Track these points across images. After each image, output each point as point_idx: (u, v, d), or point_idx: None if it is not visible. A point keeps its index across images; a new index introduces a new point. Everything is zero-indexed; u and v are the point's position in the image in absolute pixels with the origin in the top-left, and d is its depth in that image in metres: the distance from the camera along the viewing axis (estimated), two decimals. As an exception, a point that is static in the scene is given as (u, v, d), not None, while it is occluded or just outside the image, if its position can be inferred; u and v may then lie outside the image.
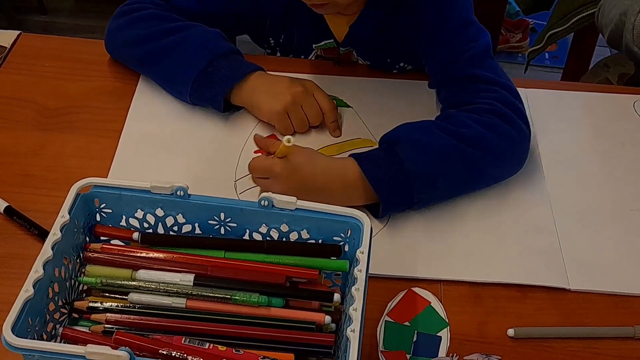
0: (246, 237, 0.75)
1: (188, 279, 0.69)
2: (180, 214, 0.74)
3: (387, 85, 1.07)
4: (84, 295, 0.74)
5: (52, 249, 0.66)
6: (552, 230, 0.90)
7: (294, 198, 0.71)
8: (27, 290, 0.63)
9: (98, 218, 0.75)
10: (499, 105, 0.92)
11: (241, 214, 0.73)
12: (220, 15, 1.06)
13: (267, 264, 0.71)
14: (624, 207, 0.93)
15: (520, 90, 0.98)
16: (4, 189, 0.90)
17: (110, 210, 0.74)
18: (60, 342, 0.68)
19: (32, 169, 0.93)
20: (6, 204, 0.87)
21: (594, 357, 0.78)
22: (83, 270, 0.73)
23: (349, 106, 1.04)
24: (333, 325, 0.70)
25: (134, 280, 0.70)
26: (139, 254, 0.72)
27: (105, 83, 1.06)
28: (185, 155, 0.96)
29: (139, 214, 0.74)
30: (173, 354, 0.64)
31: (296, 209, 0.71)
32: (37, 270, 0.64)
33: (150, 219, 0.75)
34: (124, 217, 0.75)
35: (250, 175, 0.92)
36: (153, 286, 0.69)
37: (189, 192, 0.72)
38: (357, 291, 0.65)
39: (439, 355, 0.77)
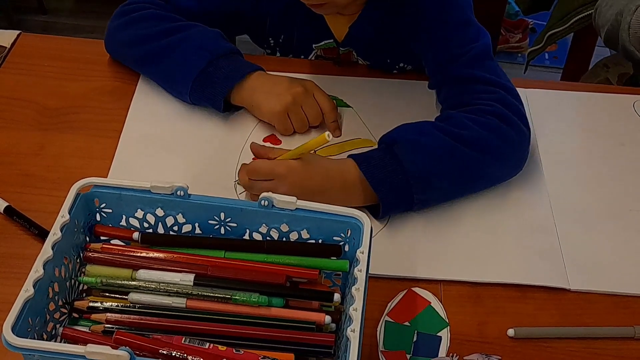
0: (246, 237, 0.75)
1: (188, 278, 0.69)
2: (180, 214, 0.74)
3: (387, 85, 1.07)
4: (84, 295, 0.74)
5: (52, 248, 0.66)
6: (552, 230, 0.90)
7: (294, 198, 0.71)
8: (27, 290, 0.63)
9: (98, 218, 0.75)
10: (499, 106, 0.92)
11: (241, 214, 0.73)
12: (220, 15, 1.06)
13: (267, 264, 0.71)
14: (624, 207, 0.93)
15: (520, 90, 0.98)
16: (4, 189, 0.90)
17: (110, 210, 0.75)
18: (60, 342, 0.68)
19: (32, 169, 0.93)
20: (6, 204, 0.87)
21: (594, 357, 0.79)
22: (83, 270, 0.73)
23: (349, 106, 1.04)
24: (333, 325, 0.70)
25: (134, 280, 0.70)
26: (139, 254, 0.72)
27: (105, 83, 1.06)
28: (185, 155, 0.96)
29: (139, 213, 0.74)
30: (173, 354, 0.64)
31: (296, 209, 0.71)
32: (37, 270, 0.64)
33: (150, 218, 0.75)
34: (124, 217, 0.75)
35: (240, 180, 0.90)
36: (153, 286, 0.69)
37: (189, 192, 0.72)
38: (357, 291, 0.65)
39: (439, 355, 0.77)
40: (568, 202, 0.93)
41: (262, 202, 0.71)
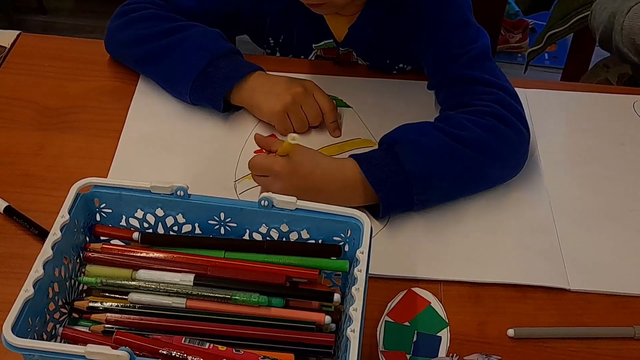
0: (246, 237, 0.75)
1: (188, 279, 0.69)
2: (180, 214, 0.74)
3: (386, 85, 1.07)
4: (84, 295, 0.74)
5: (52, 248, 0.66)
6: (552, 230, 0.90)
7: (294, 198, 0.71)
8: (27, 290, 0.63)
9: (98, 218, 0.75)
10: (498, 107, 0.92)
11: (241, 214, 0.73)
12: (220, 15, 1.06)
13: (267, 264, 0.71)
14: (624, 207, 0.93)
15: (519, 90, 0.98)
16: (4, 189, 0.90)
17: (110, 210, 0.75)
18: (60, 342, 0.68)
19: (32, 169, 0.93)
20: (6, 204, 0.87)
21: (594, 357, 0.79)
22: (83, 270, 0.73)
23: (349, 106, 1.04)
24: (333, 325, 0.70)
25: (134, 280, 0.70)
26: (139, 254, 0.72)
27: (105, 83, 1.06)
28: (185, 155, 0.96)
29: (139, 214, 0.74)
30: (173, 354, 0.64)
31: (296, 209, 0.71)
32: (37, 270, 0.64)
33: (150, 219, 0.75)
34: (124, 217, 0.75)
35: (250, 173, 0.91)
36: (153, 286, 0.69)
37: (188, 192, 0.72)
38: (357, 291, 0.65)
39: (439, 356, 0.77)
40: (568, 202, 0.93)
41: (262, 202, 0.71)
